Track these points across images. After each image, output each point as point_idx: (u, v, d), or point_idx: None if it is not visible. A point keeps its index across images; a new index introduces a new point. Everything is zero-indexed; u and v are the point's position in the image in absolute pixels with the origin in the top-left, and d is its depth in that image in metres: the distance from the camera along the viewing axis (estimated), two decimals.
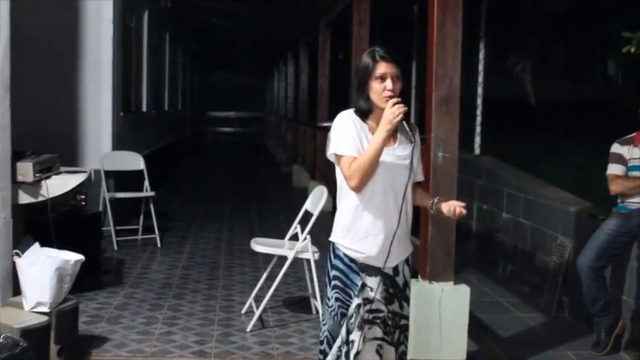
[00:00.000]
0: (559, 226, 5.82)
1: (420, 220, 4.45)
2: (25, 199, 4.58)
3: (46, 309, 4.02)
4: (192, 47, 20.21)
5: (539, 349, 4.81)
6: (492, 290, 6.24)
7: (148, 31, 11.08)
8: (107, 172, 7.43)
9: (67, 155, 6.63)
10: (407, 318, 3.21)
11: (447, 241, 4.42)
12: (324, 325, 3.15)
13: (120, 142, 8.04)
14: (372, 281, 3.06)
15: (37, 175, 4.56)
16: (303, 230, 5.07)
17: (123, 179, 7.79)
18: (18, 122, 4.34)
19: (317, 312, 5.18)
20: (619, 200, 4.78)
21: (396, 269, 3.13)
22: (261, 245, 5.17)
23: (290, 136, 17.46)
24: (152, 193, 7.64)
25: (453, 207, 3.04)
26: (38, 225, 4.83)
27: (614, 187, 4.73)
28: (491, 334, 5.12)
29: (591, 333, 4.97)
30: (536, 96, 14.64)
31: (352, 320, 3.03)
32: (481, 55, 8.00)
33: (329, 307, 3.11)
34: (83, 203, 6.32)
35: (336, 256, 3.10)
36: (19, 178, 4.46)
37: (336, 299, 3.08)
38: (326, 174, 9.90)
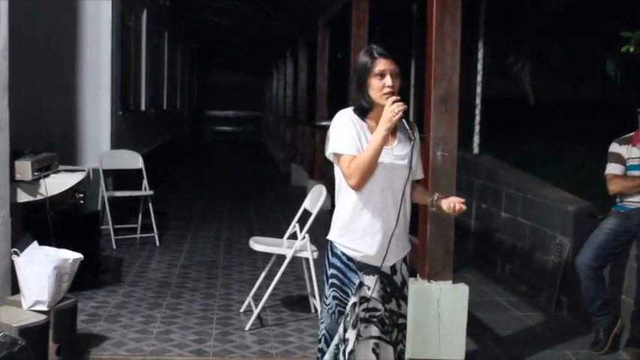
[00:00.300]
0: (558, 226, 5.82)
1: (418, 219, 4.46)
2: (23, 197, 4.58)
3: (44, 307, 4.02)
4: (191, 46, 20.21)
5: (538, 348, 4.81)
6: (491, 289, 6.24)
7: (147, 30, 11.07)
8: (106, 171, 7.43)
9: (66, 154, 6.64)
10: (405, 317, 3.21)
11: (445, 239, 4.42)
12: (322, 323, 3.15)
13: (119, 141, 8.04)
14: (370, 280, 3.06)
15: (36, 173, 4.56)
16: (301, 229, 5.07)
17: (121, 178, 7.79)
18: (17, 121, 4.34)
19: (316, 311, 5.18)
20: (618, 200, 4.78)
21: (393, 268, 3.13)
22: (259, 244, 5.17)
23: (289, 135, 17.46)
24: (151, 192, 7.63)
25: (452, 203, 3.05)
26: (37, 223, 4.84)
27: (613, 187, 4.73)
28: (490, 333, 5.12)
29: (590, 332, 4.98)
30: (534, 95, 14.64)
31: (348, 319, 3.04)
32: (480, 55, 8.01)
33: (326, 305, 3.11)
34: (82, 202, 6.33)
35: (334, 255, 3.10)
36: (18, 176, 4.46)
37: (334, 298, 3.08)
38: (325, 173, 9.90)
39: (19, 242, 4.23)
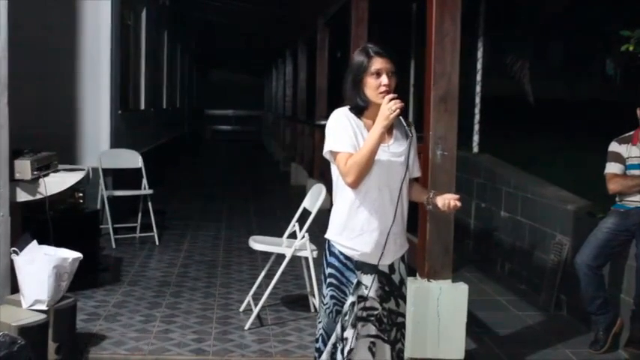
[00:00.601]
0: (557, 225, 5.82)
1: (417, 218, 4.46)
2: (23, 196, 4.57)
3: (44, 307, 4.02)
4: (190, 45, 20.21)
5: (538, 347, 4.82)
6: (490, 288, 6.24)
7: (147, 29, 11.08)
8: (105, 170, 7.42)
9: (66, 153, 6.64)
10: (403, 316, 3.21)
11: (445, 238, 4.42)
12: (320, 322, 3.15)
13: (118, 140, 8.04)
14: (367, 279, 3.06)
15: (35, 172, 4.56)
16: (301, 228, 5.07)
17: (121, 177, 7.79)
18: (16, 120, 4.34)
19: (315, 310, 5.18)
20: (617, 199, 4.79)
21: (391, 267, 3.13)
22: (259, 243, 5.17)
23: (288, 134, 17.45)
24: (150, 191, 7.63)
25: (447, 200, 3.04)
26: (36, 223, 4.84)
27: (613, 186, 4.74)
28: (490, 332, 5.12)
29: (589, 331, 4.98)
30: (534, 94, 14.63)
31: (346, 318, 3.04)
32: (479, 54, 8.01)
33: (324, 304, 3.11)
34: (81, 201, 6.33)
35: (332, 254, 3.10)
36: (17, 175, 4.46)
37: (332, 297, 3.08)
38: (324, 172, 9.90)
39: (18, 241, 4.23)
